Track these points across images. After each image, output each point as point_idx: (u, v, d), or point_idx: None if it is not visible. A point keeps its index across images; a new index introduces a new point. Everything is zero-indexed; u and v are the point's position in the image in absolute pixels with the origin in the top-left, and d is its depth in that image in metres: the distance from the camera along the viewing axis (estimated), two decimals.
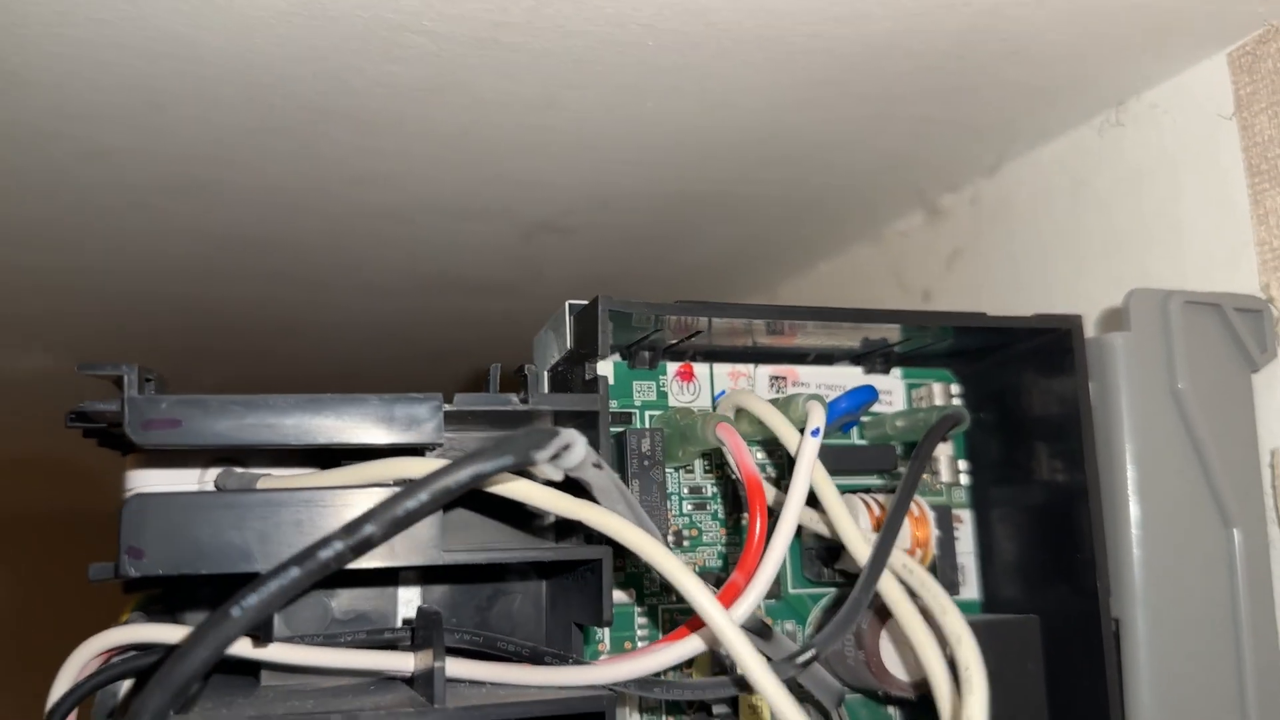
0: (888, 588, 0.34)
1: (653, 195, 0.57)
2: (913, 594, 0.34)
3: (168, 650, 0.29)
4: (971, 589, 0.41)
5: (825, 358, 0.42)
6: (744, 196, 0.58)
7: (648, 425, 0.39)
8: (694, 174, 0.55)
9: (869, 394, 0.39)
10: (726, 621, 0.31)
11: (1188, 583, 0.38)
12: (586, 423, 0.33)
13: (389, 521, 0.28)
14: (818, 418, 0.35)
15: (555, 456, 0.30)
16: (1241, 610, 0.38)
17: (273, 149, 0.50)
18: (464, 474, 0.29)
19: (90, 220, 0.58)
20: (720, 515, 0.39)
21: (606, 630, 0.37)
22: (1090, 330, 0.45)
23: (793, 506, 0.33)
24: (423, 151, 0.51)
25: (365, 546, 0.26)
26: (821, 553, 0.38)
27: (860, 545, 0.34)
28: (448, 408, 0.31)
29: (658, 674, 0.35)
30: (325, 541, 0.26)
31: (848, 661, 0.37)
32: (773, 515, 0.33)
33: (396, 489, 0.27)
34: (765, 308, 0.36)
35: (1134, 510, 0.38)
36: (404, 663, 0.32)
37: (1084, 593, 0.37)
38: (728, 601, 0.32)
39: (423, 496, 0.28)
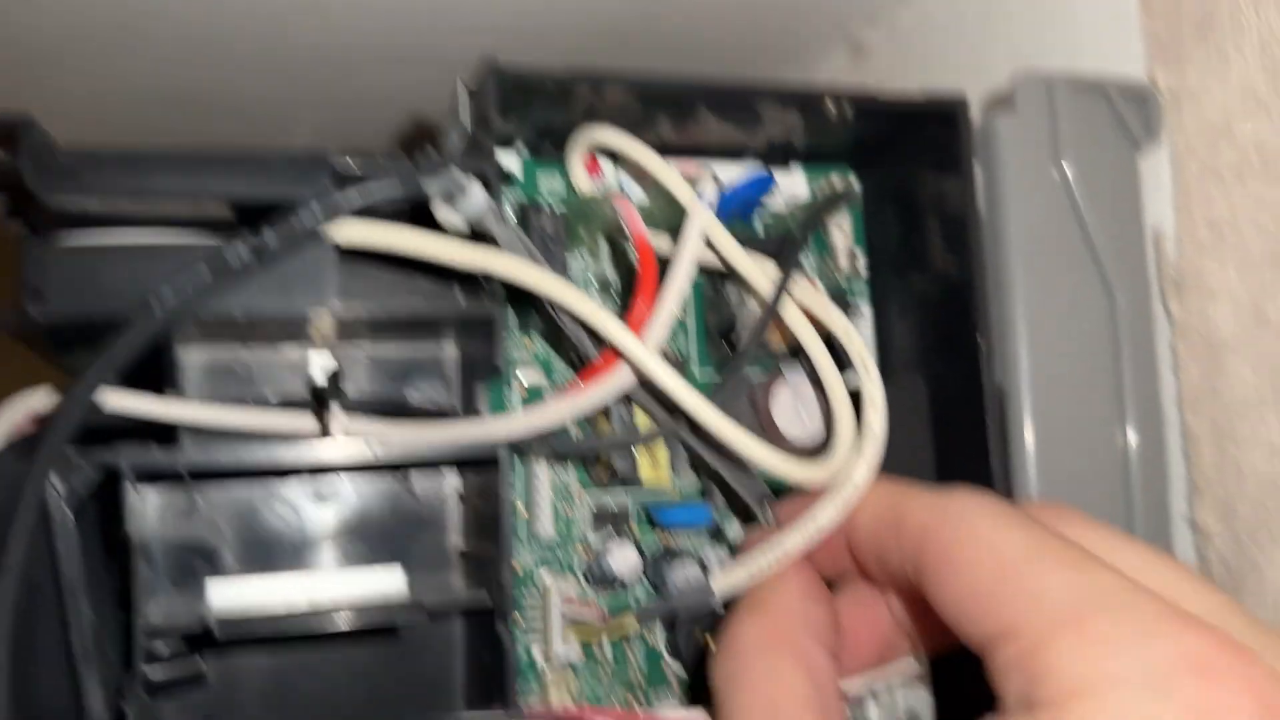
0: (791, 315, 0.35)
1: (574, 28, 0.58)
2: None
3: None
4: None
5: (728, 152, 0.43)
6: (672, 34, 0.59)
7: None
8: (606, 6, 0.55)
9: (763, 181, 0.40)
10: (641, 347, 0.32)
11: (1072, 354, 0.40)
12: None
13: (286, 233, 0.29)
14: (708, 186, 0.36)
15: (451, 197, 0.31)
16: (1125, 377, 0.40)
17: None
18: (353, 195, 0.30)
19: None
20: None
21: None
22: None
23: (689, 242, 0.35)
24: None
25: (263, 253, 0.29)
26: (723, 327, 0.40)
27: (758, 275, 0.35)
28: (336, 166, 0.32)
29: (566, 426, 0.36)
30: (229, 248, 0.29)
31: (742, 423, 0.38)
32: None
33: None
34: (664, 77, 0.37)
35: (1020, 288, 0.39)
36: (303, 420, 0.33)
37: (970, 368, 0.39)
38: (636, 330, 0.34)
39: (315, 209, 0.30)
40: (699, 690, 0.39)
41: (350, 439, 0.32)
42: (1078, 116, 0.40)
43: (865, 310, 0.43)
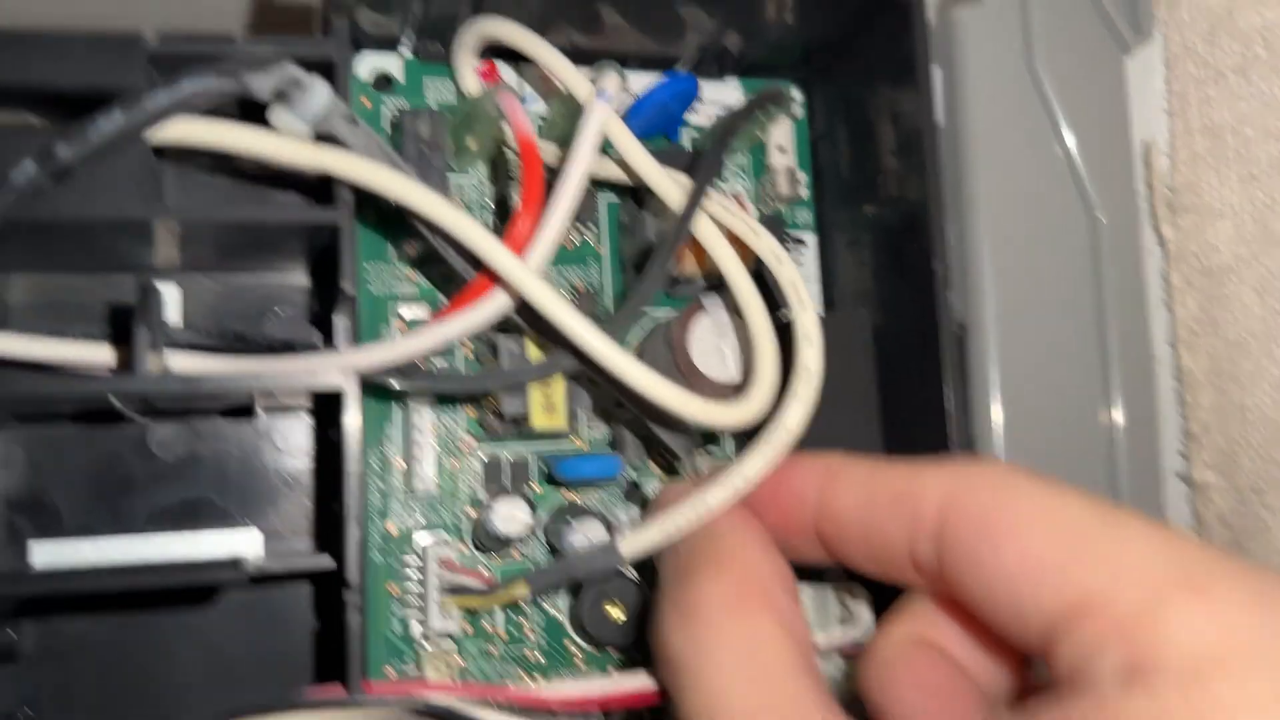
0: (707, 235, 0.30)
1: None
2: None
3: None
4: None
5: (651, 63, 0.37)
6: None
7: None
8: None
9: (683, 82, 0.34)
10: (522, 268, 0.27)
11: (1047, 285, 0.34)
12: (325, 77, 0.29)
13: (81, 139, 0.24)
14: (608, 81, 0.31)
15: (284, 95, 0.26)
16: (1109, 312, 0.34)
17: None
18: (160, 94, 0.25)
19: None
20: None
21: None
22: None
23: (582, 146, 0.30)
24: None
25: (53, 163, 0.25)
26: (640, 258, 0.34)
27: (668, 183, 0.30)
28: (151, 48, 0.27)
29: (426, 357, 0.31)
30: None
31: (661, 370, 0.33)
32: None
33: None
34: None
35: (985, 209, 0.34)
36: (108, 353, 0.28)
37: (924, 300, 0.33)
38: (517, 249, 0.28)
39: (116, 116, 0.25)
40: (609, 665, 0.33)
41: (164, 373, 0.27)
42: (1055, 10, 0.35)
43: (810, 240, 0.38)
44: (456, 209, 0.28)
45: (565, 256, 0.35)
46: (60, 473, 0.32)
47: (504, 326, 0.31)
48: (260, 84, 0.26)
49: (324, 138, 0.28)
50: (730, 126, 0.32)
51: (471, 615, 0.32)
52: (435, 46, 0.35)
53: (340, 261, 0.28)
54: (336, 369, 0.27)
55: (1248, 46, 0.33)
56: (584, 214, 0.35)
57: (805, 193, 0.38)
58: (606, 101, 0.31)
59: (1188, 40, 0.35)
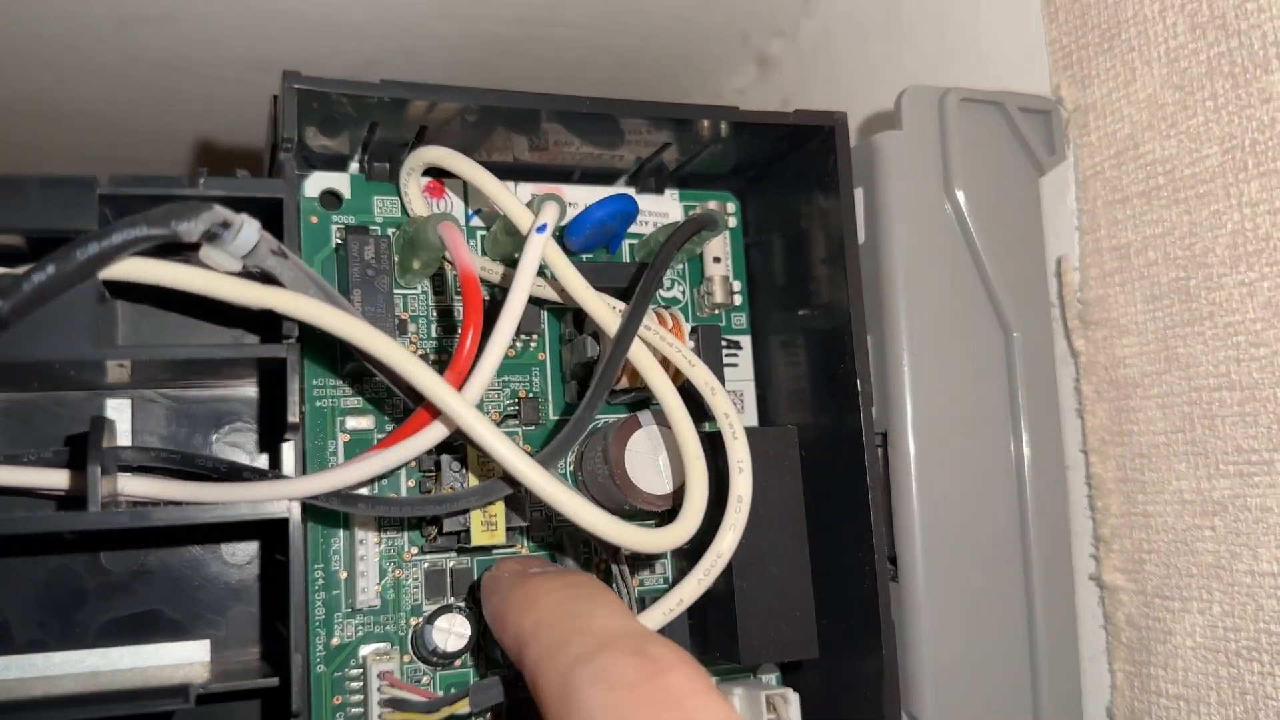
0: (642, 361, 0.32)
1: (465, 45, 0.54)
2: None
3: None
4: (749, 416, 0.39)
5: (595, 177, 0.39)
6: (570, 49, 0.55)
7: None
8: (514, 22, 0.51)
9: (624, 202, 0.36)
10: (461, 403, 0.29)
11: (962, 393, 0.36)
12: (274, 214, 0.30)
13: (16, 293, 0.25)
14: (548, 213, 0.32)
15: (214, 236, 0.27)
16: (1023, 421, 0.36)
17: None
18: (91, 246, 0.26)
19: None
20: None
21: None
22: None
23: (522, 277, 0.31)
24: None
25: None
26: (579, 371, 0.36)
27: (604, 310, 0.32)
28: (104, 190, 0.28)
29: (369, 482, 0.32)
30: None
31: (599, 479, 0.34)
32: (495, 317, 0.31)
33: None
34: (489, 91, 0.33)
35: (904, 322, 0.36)
36: (62, 478, 0.29)
37: (848, 409, 0.35)
38: (456, 382, 0.30)
39: (49, 269, 0.26)
40: None
41: (109, 508, 0.28)
42: (972, 134, 0.37)
43: (746, 344, 0.40)
44: (395, 346, 0.29)
45: (509, 366, 0.36)
46: (10, 588, 0.32)
47: (446, 446, 0.32)
48: (189, 228, 0.26)
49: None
50: (664, 259, 0.34)
51: None
52: (382, 166, 0.36)
53: (287, 395, 0.29)
54: (283, 498, 0.28)
55: (1150, 174, 0.35)
56: (527, 325, 0.37)
57: (739, 299, 0.39)
58: (543, 234, 0.32)
59: (1098, 164, 0.37)
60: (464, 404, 0.29)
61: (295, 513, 0.29)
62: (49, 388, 0.33)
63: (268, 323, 0.30)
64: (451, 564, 0.34)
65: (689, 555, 0.33)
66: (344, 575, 0.33)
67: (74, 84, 0.55)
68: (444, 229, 0.32)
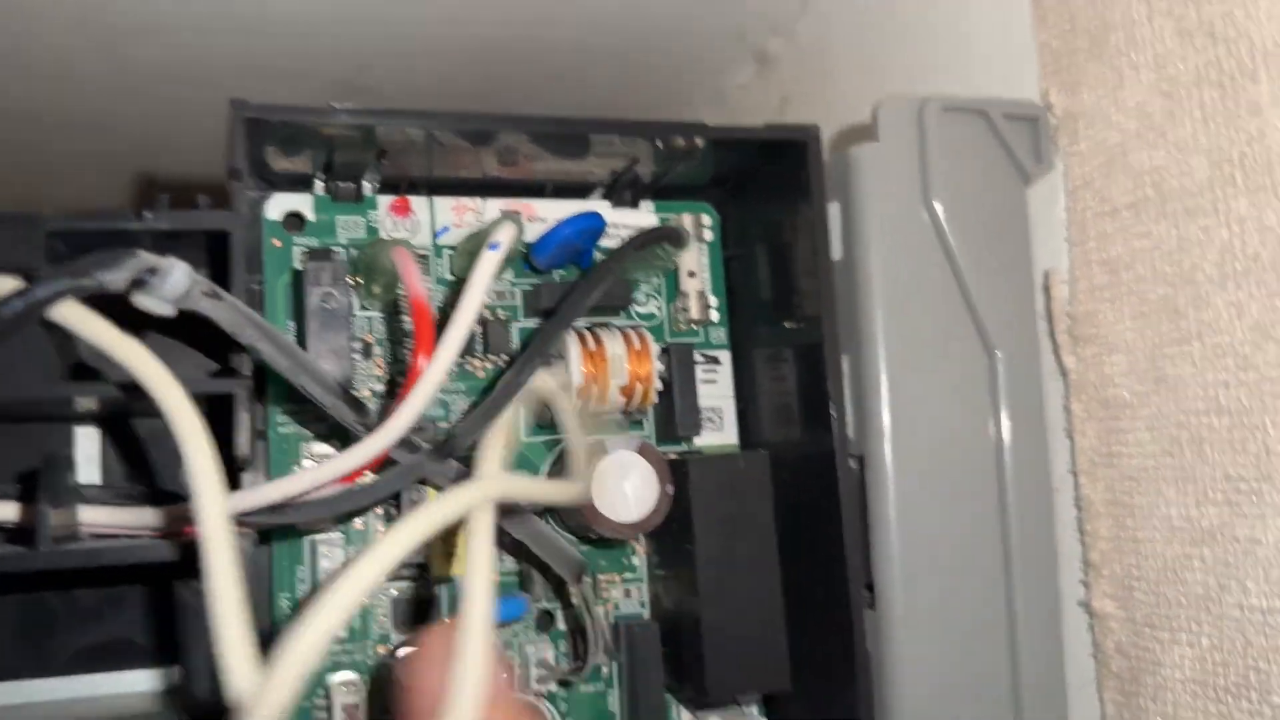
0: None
1: (460, 48, 0.53)
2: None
3: None
4: (729, 433, 0.38)
5: (567, 190, 0.38)
6: (571, 52, 0.54)
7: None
8: (510, 24, 0.51)
9: (589, 220, 0.35)
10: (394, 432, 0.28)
11: (942, 414, 0.35)
12: (220, 245, 0.29)
13: None
14: (503, 234, 0.32)
15: (141, 284, 0.26)
16: (1006, 445, 0.35)
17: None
18: (18, 301, 0.26)
19: None
20: None
21: None
22: None
23: (470, 294, 0.30)
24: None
25: None
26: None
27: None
28: (51, 226, 0.28)
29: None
30: None
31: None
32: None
33: None
34: (447, 114, 0.32)
35: (881, 340, 0.34)
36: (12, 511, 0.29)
37: (824, 430, 0.34)
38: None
39: None
40: None
41: (63, 542, 0.28)
42: (952, 144, 0.35)
43: (725, 359, 0.39)
44: (327, 388, 0.29)
45: (477, 387, 0.36)
46: None
47: None
48: (114, 278, 0.26)
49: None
50: (607, 268, 0.33)
51: None
52: (348, 187, 0.35)
53: (235, 427, 0.29)
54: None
55: (1139, 185, 0.33)
56: (497, 345, 0.36)
57: (716, 315, 0.38)
58: (495, 251, 0.31)
59: (1087, 173, 0.35)
60: (389, 438, 0.28)
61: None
62: (13, 420, 0.33)
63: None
64: (419, 593, 0.34)
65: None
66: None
67: (71, 93, 0.56)
68: (396, 254, 0.31)
